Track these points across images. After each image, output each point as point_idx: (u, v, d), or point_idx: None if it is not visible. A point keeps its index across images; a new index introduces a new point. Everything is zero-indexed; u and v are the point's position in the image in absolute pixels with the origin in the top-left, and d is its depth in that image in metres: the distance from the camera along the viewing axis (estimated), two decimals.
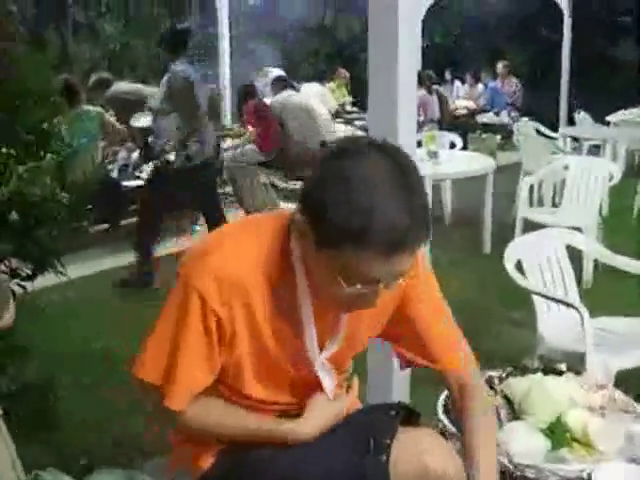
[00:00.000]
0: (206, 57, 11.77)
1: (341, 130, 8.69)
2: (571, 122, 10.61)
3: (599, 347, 3.05)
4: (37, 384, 3.00)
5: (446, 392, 2.16)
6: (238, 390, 1.70)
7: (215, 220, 5.48)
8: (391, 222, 1.39)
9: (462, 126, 10.52)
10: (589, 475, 1.96)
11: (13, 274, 2.85)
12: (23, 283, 2.87)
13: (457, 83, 13.51)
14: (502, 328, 4.48)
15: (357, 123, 10.17)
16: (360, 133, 8.22)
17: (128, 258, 5.58)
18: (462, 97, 12.96)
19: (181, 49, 5.29)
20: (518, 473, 2.00)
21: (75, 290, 5.07)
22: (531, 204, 6.45)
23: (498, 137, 10.57)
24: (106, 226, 6.48)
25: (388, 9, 2.47)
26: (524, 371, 2.42)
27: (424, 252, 1.77)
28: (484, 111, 12.44)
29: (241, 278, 1.57)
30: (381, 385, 2.77)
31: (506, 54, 14.13)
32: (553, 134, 8.83)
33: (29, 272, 2.97)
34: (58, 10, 12.86)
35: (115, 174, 6.89)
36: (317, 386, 1.74)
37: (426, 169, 5.14)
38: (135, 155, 6.92)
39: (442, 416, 2.18)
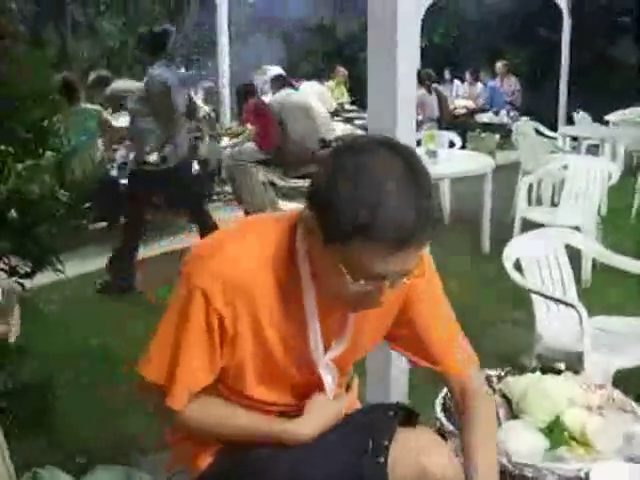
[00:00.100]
0: (205, 56, 11.80)
1: (340, 129, 8.70)
2: (570, 121, 10.61)
3: (597, 346, 3.06)
4: (35, 382, 3.00)
5: (445, 391, 2.16)
6: (239, 391, 1.69)
7: (200, 222, 5.52)
8: (398, 218, 1.39)
9: (461, 125, 10.52)
10: (587, 474, 1.96)
11: (12, 272, 2.85)
12: (22, 281, 2.87)
13: (456, 82, 13.51)
14: (501, 327, 4.48)
15: (356, 122, 10.17)
16: (359, 132, 8.23)
17: None
18: (461, 96, 12.96)
19: (160, 51, 5.32)
20: (516, 472, 2.01)
21: (74, 288, 5.08)
22: (530, 203, 6.45)
23: (497, 136, 10.57)
24: (105, 224, 6.49)
25: (387, 8, 2.47)
26: (522, 370, 2.43)
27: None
28: (483, 110, 12.44)
29: (245, 278, 1.56)
30: (380, 385, 2.77)
31: (505, 53, 14.14)
32: (552, 133, 8.84)
33: (28, 270, 2.97)
34: (57, 8, 12.86)
35: (114, 172, 6.89)
36: (318, 387, 1.73)
37: None
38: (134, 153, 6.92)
39: (440, 415, 2.18)
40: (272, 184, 7.39)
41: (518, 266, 3.34)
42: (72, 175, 3.10)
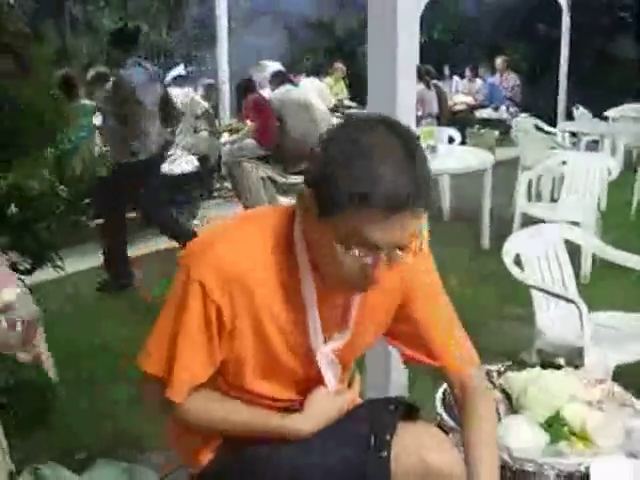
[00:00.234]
0: (204, 52, 11.79)
1: None
2: (569, 117, 10.61)
3: (597, 342, 3.06)
4: (35, 379, 3.00)
5: (445, 386, 2.16)
6: (239, 385, 1.69)
7: (157, 219, 5.54)
8: (392, 184, 1.40)
9: (461, 121, 10.52)
10: (587, 469, 1.97)
11: (12, 268, 2.84)
12: (21, 277, 2.87)
13: (456, 78, 13.49)
14: (500, 323, 4.48)
15: None
16: None
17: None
18: (461, 92, 12.94)
19: (131, 48, 5.40)
20: (517, 467, 2.01)
21: (73, 284, 5.08)
22: (529, 199, 6.45)
23: (497, 132, 10.55)
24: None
25: (387, 4, 2.47)
26: (522, 365, 2.43)
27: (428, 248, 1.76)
28: (483, 106, 12.43)
29: (243, 270, 1.56)
30: (380, 380, 2.77)
31: (505, 49, 14.12)
32: (552, 129, 8.83)
33: (27, 266, 2.97)
34: (56, 5, 12.84)
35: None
36: (320, 382, 1.72)
37: None
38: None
39: (441, 410, 2.19)
40: (272, 180, 7.38)
41: (518, 261, 3.35)
42: (72, 171, 3.09)
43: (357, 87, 11.32)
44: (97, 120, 6.11)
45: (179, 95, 8.10)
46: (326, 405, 1.72)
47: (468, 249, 6.11)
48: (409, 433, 1.72)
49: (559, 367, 2.40)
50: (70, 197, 2.91)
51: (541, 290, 3.35)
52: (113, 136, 5.37)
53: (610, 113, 9.89)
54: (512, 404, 2.28)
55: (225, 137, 8.33)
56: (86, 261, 5.56)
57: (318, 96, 8.54)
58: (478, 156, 6.62)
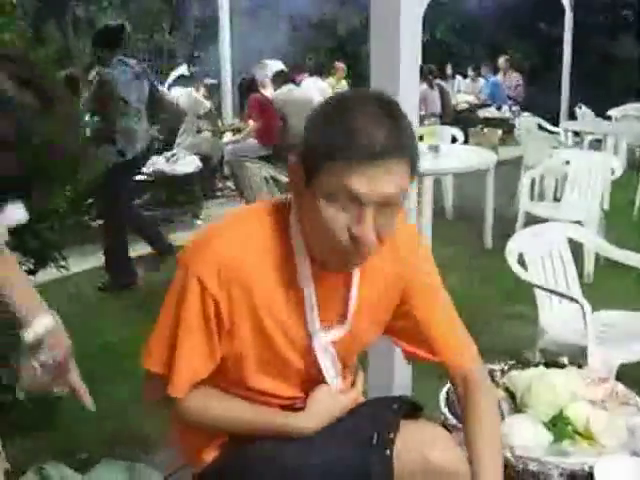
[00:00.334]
0: (207, 51, 11.77)
1: None
2: (572, 116, 10.61)
3: (601, 340, 3.06)
4: None
5: (448, 385, 2.16)
6: (239, 382, 1.68)
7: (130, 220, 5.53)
8: (368, 134, 1.43)
9: (463, 120, 10.52)
10: (591, 468, 1.96)
11: None
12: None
13: (458, 77, 13.51)
14: (504, 322, 4.48)
15: None
16: None
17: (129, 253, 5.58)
18: (463, 91, 12.96)
19: (116, 45, 5.38)
20: (520, 466, 2.01)
21: (75, 284, 5.08)
22: (532, 198, 6.45)
23: (499, 131, 10.56)
24: None
25: (390, 4, 2.47)
26: (526, 364, 2.42)
27: (429, 246, 1.76)
28: (485, 105, 12.43)
29: (240, 263, 1.56)
30: (383, 379, 2.77)
31: (507, 48, 14.13)
32: (554, 128, 8.83)
33: (31, 266, 2.97)
34: (58, 4, 12.85)
35: None
36: (322, 380, 1.72)
37: (427, 163, 5.14)
38: None
39: (444, 409, 2.18)
40: (274, 179, 7.39)
41: (521, 261, 3.34)
42: (75, 171, 3.10)
43: (359, 86, 11.30)
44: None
45: (182, 95, 8.12)
46: (329, 403, 1.72)
47: (471, 248, 6.11)
48: (412, 431, 1.72)
49: (562, 366, 2.40)
50: (73, 197, 2.91)
51: (544, 289, 3.35)
52: (98, 135, 5.33)
53: (613, 112, 9.89)
54: (515, 403, 2.27)
55: (228, 137, 8.34)
56: (88, 261, 5.56)
57: (320, 95, 8.54)
58: (481, 155, 6.60)
